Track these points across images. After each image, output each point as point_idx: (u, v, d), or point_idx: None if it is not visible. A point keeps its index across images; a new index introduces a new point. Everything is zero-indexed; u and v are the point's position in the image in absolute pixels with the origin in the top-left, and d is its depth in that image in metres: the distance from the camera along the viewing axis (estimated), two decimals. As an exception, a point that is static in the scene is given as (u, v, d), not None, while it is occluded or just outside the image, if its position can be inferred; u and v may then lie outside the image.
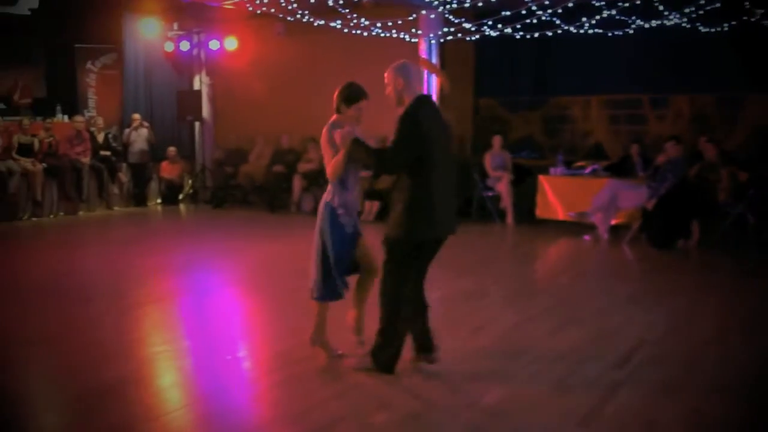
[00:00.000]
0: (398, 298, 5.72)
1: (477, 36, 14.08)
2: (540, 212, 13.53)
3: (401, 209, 5.61)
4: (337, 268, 5.99)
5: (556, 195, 13.23)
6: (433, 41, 14.32)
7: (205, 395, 5.59)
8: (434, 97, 14.20)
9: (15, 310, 8.04)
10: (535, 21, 12.89)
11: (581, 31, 13.04)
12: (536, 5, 12.42)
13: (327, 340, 6.31)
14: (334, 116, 6.02)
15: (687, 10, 11.96)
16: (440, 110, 5.90)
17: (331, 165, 5.85)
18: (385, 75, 5.77)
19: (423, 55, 14.26)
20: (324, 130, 5.95)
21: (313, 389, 5.57)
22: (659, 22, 12.47)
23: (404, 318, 5.78)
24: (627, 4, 12.07)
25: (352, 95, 5.95)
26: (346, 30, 14.25)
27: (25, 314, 7.82)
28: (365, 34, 14.37)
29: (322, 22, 14.09)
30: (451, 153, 6.15)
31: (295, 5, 13.14)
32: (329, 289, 6.05)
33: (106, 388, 5.60)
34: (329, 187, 6.02)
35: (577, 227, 12.99)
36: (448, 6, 13.59)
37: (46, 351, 6.60)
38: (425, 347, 6.01)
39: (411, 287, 5.80)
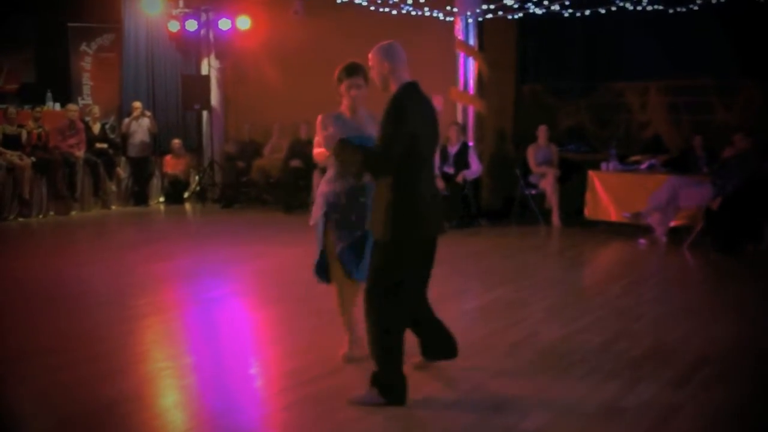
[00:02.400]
0: (388, 314, 5.67)
1: (520, 14, 14.08)
2: (590, 212, 13.53)
3: (384, 207, 5.58)
4: None
5: (609, 193, 13.21)
6: (470, 20, 14.34)
7: (212, 416, 5.63)
8: (471, 84, 14.30)
9: (0, 321, 8.13)
10: (585, -3, 12.91)
11: (638, 8, 13.00)
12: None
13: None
14: (343, 102, 6.45)
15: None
16: (429, 99, 5.91)
17: (319, 154, 6.45)
18: (369, 56, 5.86)
19: (459, 35, 14.28)
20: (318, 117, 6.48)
21: (330, 411, 5.59)
22: (729, -4, 12.44)
23: (398, 336, 5.73)
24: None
25: (340, 73, 6.35)
26: (372, 8, 14.28)
27: (12, 326, 7.92)
28: (394, 12, 14.37)
29: (346, -1, 14.17)
30: (435, 147, 6.16)
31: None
32: None
33: (102, 408, 5.66)
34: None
35: (631, 229, 12.97)
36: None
37: (36, 366, 6.66)
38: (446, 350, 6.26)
39: (402, 299, 5.74)
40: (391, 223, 5.56)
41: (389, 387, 5.62)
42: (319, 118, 6.40)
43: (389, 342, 5.64)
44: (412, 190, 5.60)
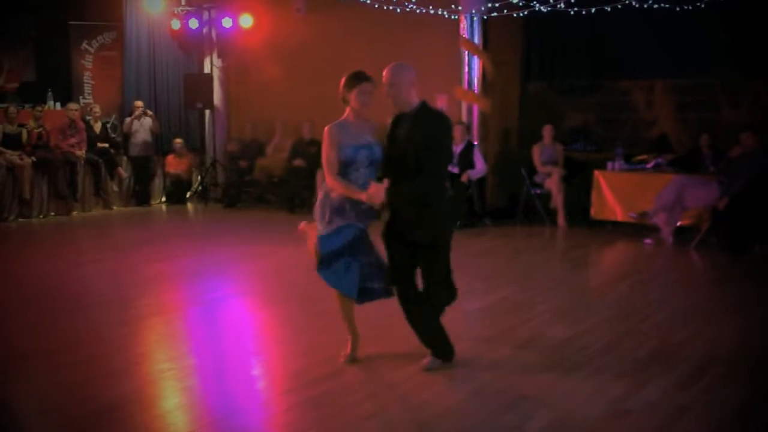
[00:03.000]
0: (442, 301, 6.52)
1: (525, 12, 14.05)
2: (595, 212, 13.48)
3: (432, 211, 6.14)
4: None
5: (615, 193, 13.18)
6: (475, 18, 14.31)
7: (215, 419, 5.63)
8: (476, 82, 14.29)
9: (1, 322, 8.14)
10: (591, -6, 12.87)
11: (645, 6, 12.97)
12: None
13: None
14: (347, 109, 6.40)
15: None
16: None
17: (339, 188, 6.37)
18: (389, 74, 6.19)
19: (464, 34, 14.25)
20: (326, 130, 6.35)
21: (333, 413, 5.60)
22: (737, -7, 12.39)
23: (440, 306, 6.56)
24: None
25: (351, 79, 6.31)
26: (376, 5, 14.28)
27: (13, 327, 7.93)
28: (398, 10, 14.34)
29: (349, -3, 14.16)
30: None
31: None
32: None
33: (104, 410, 5.67)
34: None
35: (637, 230, 12.96)
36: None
37: (36, 367, 6.67)
38: None
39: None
40: (442, 224, 6.26)
41: (438, 349, 6.45)
42: (326, 131, 6.30)
43: (437, 320, 6.49)
44: (444, 189, 6.30)
